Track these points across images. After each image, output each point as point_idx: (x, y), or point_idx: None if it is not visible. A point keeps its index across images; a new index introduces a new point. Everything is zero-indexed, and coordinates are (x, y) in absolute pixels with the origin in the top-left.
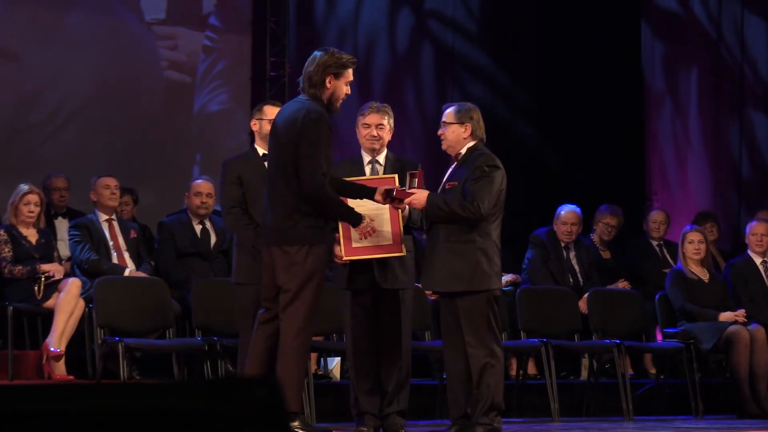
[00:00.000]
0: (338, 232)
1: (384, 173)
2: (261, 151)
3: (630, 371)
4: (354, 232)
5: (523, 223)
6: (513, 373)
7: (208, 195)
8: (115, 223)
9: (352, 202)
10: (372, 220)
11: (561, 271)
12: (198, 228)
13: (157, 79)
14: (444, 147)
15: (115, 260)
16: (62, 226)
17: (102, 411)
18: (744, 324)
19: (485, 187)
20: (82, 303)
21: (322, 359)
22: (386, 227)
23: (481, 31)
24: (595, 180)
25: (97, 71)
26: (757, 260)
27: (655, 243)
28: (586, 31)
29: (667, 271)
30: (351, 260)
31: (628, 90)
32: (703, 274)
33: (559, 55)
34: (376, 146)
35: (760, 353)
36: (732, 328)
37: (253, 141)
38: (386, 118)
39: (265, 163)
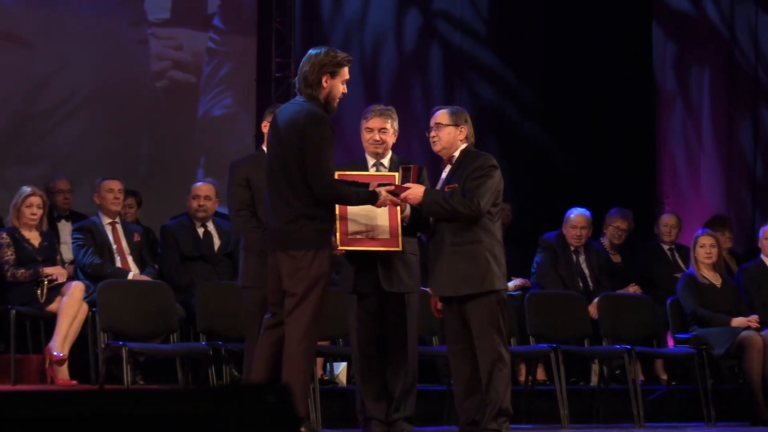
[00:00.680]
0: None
1: None
2: None
3: (641, 377)
4: (351, 224)
5: (530, 225)
6: (522, 378)
7: (206, 198)
8: (119, 227)
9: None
10: (388, 197)
11: (570, 276)
12: (200, 231)
13: (162, 80)
14: (437, 149)
15: (118, 264)
16: (65, 228)
17: (105, 417)
18: (757, 329)
19: (485, 184)
20: (85, 307)
21: (328, 364)
22: (383, 221)
23: (488, 31)
24: (604, 182)
25: (99, 71)
26: None
27: (666, 247)
28: (593, 30)
29: (678, 275)
30: (346, 251)
31: (637, 90)
32: (715, 279)
33: (567, 55)
34: (380, 150)
35: None
36: (745, 333)
37: (260, 143)
38: (389, 121)
39: None
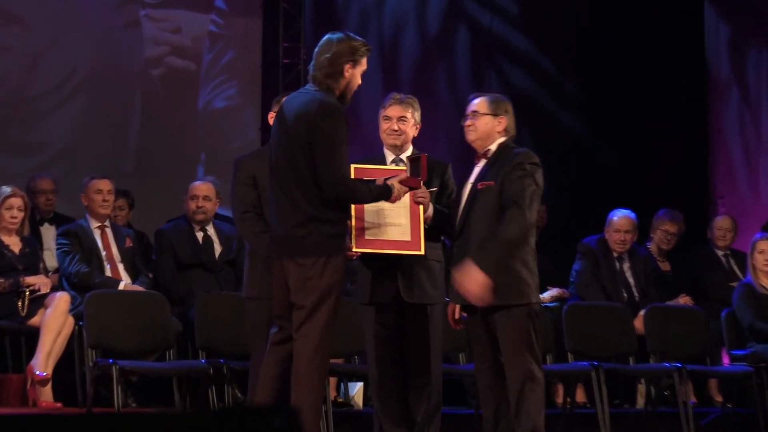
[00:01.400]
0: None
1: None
2: None
3: (692, 399)
4: (367, 224)
5: (569, 229)
6: (559, 400)
7: (206, 198)
8: (109, 231)
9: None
10: (402, 189)
11: (613, 285)
12: (200, 236)
13: (158, 67)
14: (470, 139)
15: (108, 272)
16: (49, 233)
17: None
18: None
19: (529, 188)
20: (71, 320)
21: (342, 384)
22: (403, 220)
23: (522, 11)
24: (651, 180)
25: (87, 57)
26: None
27: (720, 253)
28: (639, 12)
29: (734, 284)
30: (362, 253)
31: (687, 77)
32: None
33: (608, 38)
34: (398, 142)
35: None
36: None
37: (266, 137)
38: (410, 110)
39: None
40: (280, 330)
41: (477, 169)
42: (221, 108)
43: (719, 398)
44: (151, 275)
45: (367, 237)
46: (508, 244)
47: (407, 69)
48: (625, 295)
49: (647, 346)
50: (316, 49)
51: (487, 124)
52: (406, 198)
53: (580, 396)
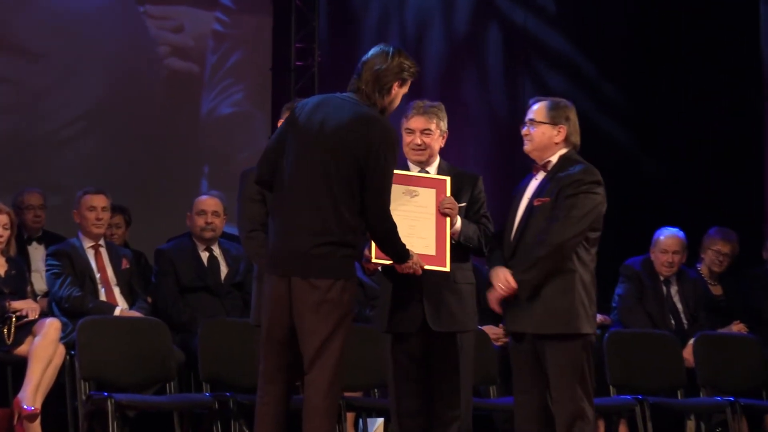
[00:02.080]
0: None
1: None
2: None
3: None
4: None
5: (611, 249)
6: None
7: (215, 214)
8: (103, 251)
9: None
10: (418, 264)
11: (660, 311)
12: (204, 256)
13: (157, 69)
14: (527, 149)
15: (102, 296)
16: (37, 253)
17: None
18: None
19: (583, 208)
20: (62, 349)
21: (360, 420)
22: (428, 233)
23: (559, 8)
24: (702, 197)
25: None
26: None
27: None
28: (688, 11)
29: None
30: (382, 265)
31: (742, 84)
32: None
33: (655, 41)
34: (422, 158)
35: None
36: None
37: None
38: (435, 121)
39: None
40: (278, 356)
41: (535, 182)
42: (227, 115)
43: None
44: (150, 299)
45: None
46: (554, 251)
47: (432, 72)
48: (673, 322)
49: (697, 379)
50: (366, 58)
51: (544, 134)
52: (432, 208)
53: None
